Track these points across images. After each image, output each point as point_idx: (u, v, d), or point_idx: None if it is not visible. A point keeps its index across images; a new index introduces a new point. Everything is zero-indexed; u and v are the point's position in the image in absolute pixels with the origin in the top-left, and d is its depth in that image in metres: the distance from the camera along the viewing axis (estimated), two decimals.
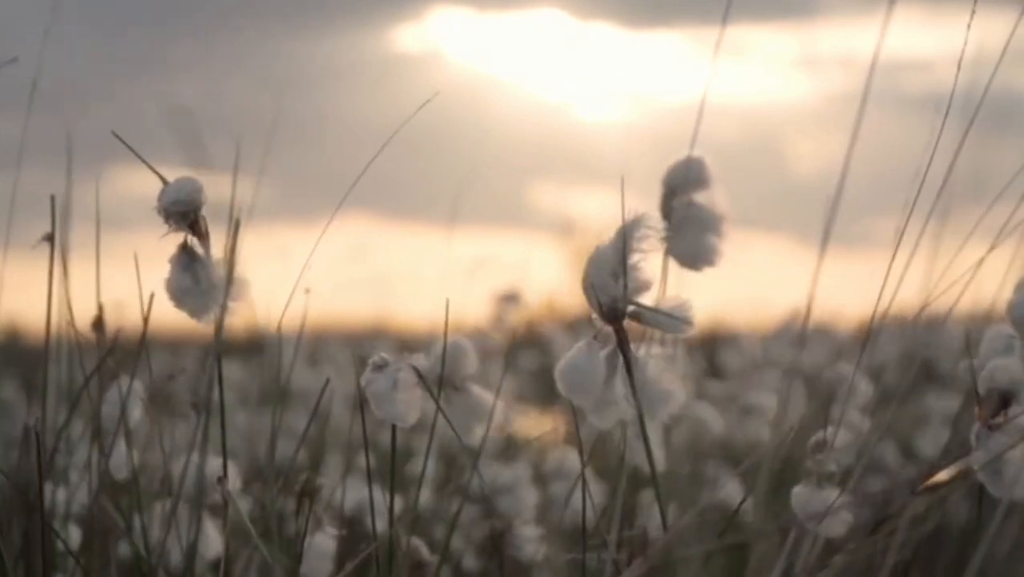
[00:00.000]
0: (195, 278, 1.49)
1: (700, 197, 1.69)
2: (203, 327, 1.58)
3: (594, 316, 1.43)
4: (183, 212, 1.50)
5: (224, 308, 1.50)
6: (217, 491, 1.66)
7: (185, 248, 1.51)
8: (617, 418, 1.45)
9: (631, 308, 1.43)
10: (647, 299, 1.44)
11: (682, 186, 1.69)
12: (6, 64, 1.69)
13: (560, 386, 1.44)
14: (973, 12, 1.42)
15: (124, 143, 1.48)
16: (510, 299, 4.35)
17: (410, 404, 1.58)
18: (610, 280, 1.42)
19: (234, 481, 1.84)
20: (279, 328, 1.68)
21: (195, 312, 1.50)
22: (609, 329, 1.44)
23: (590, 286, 1.43)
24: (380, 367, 1.58)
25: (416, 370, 1.58)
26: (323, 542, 1.86)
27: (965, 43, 1.42)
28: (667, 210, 1.61)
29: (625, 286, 1.42)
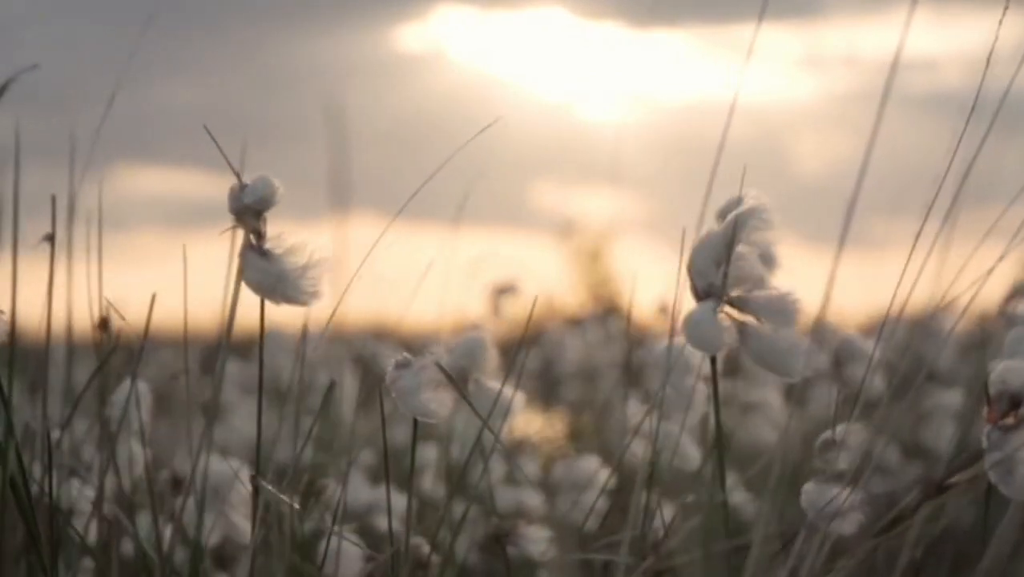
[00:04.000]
0: (280, 266, 1.52)
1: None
2: (206, 327, 1.58)
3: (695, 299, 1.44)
4: (259, 211, 1.52)
5: (312, 292, 1.53)
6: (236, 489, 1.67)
7: (255, 244, 1.53)
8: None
9: (731, 296, 1.43)
10: (754, 289, 1.44)
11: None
12: (26, 71, 1.69)
13: (686, 339, 1.44)
14: (1006, 9, 1.42)
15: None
16: (506, 292, 4.35)
17: (437, 401, 1.59)
18: (712, 266, 1.42)
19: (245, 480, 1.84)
20: (283, 328, 1.68)
21: (289, 298, 1.52)
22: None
23: (691, 269, 1.43)
24: (405, 365, 1.59)
25: (441, 367, 1.59)
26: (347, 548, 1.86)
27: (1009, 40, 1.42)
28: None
29: (726, 274, 1.41)
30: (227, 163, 1.52)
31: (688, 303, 1.46)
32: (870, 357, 1.66)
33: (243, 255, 1.53)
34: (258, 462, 1.65)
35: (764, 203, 1.44)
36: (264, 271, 1.52)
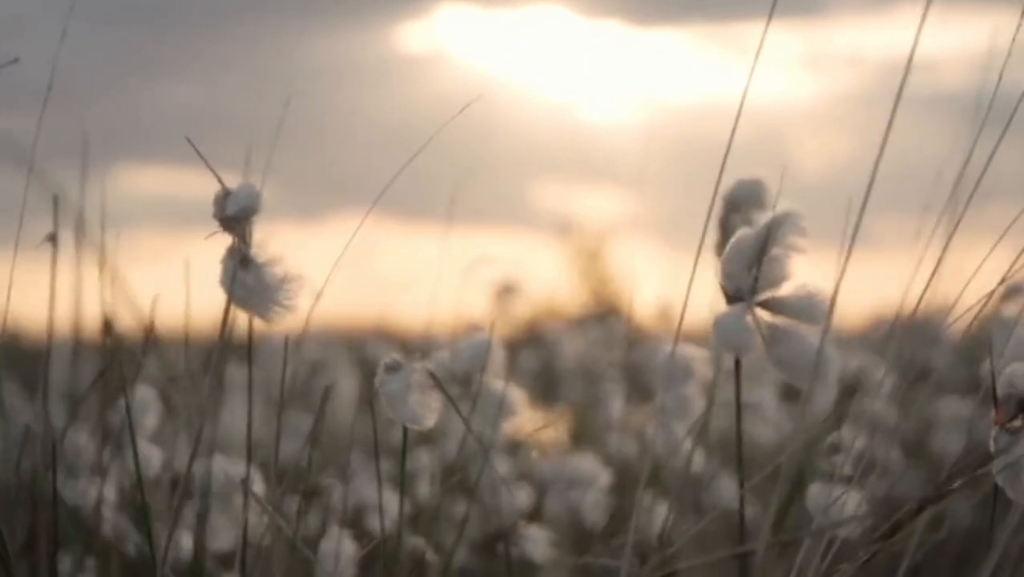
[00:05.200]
0: (256, 278, 1.50)
1: (759, 217, 1.74)
2: (206, 328, 1.57)
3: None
4: (242, 219, 1.51)
5: (286, 306, 1.51)
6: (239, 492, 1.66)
7: (237, 250, 1.51)
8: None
9: (762, 298, 1.44)
10: (783, 291, 1.45)
11: (742, 204, 1.74)
12: (7, 64, 1.68)
13: (715, 340, 1.45)
14: None
15: (195, 149, 1.48)
16: (508, 291, 4.34)
17: (425, 405, 1.57)
18: (743, 270, 1.43)
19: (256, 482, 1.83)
20: (283, 328, 1.68)
21: (261, 311, 1.51)
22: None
23: (723, 272, 1.44)
24: (394, 369, 1.57)
25: (430, 372, 1.57)
26: (342, 545, 1.86)
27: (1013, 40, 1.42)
28: (726, 226, 1.66)
29: (756, 277, 1.42)
30: (211, 170, 1.50)
31: (715, 306, 1.46)
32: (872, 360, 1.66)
33: (223, 263, 1.52)
34: (248, 462, 1.65)
35: (796, 208, 1.45)
36: (239, 282, 1.50)
